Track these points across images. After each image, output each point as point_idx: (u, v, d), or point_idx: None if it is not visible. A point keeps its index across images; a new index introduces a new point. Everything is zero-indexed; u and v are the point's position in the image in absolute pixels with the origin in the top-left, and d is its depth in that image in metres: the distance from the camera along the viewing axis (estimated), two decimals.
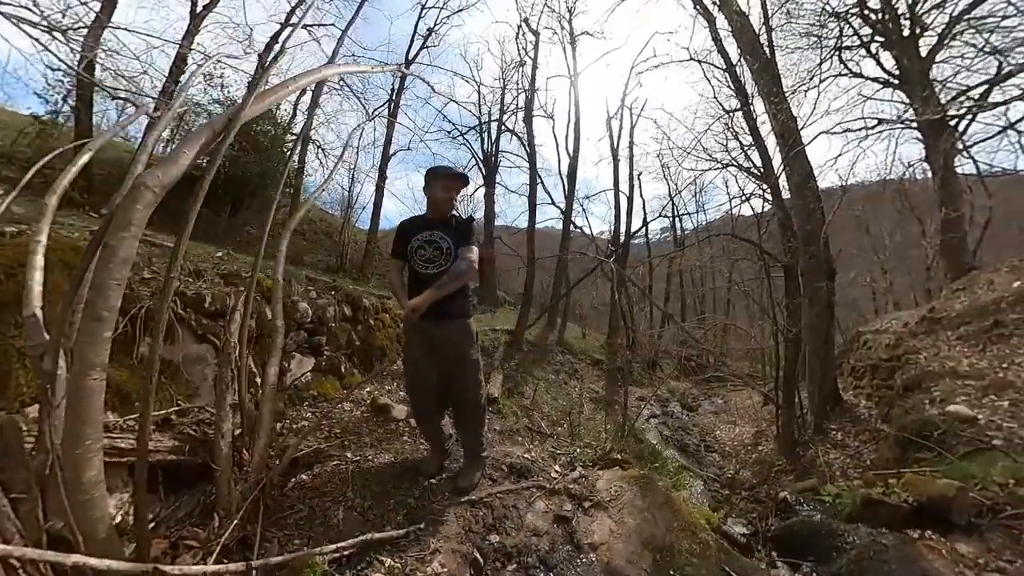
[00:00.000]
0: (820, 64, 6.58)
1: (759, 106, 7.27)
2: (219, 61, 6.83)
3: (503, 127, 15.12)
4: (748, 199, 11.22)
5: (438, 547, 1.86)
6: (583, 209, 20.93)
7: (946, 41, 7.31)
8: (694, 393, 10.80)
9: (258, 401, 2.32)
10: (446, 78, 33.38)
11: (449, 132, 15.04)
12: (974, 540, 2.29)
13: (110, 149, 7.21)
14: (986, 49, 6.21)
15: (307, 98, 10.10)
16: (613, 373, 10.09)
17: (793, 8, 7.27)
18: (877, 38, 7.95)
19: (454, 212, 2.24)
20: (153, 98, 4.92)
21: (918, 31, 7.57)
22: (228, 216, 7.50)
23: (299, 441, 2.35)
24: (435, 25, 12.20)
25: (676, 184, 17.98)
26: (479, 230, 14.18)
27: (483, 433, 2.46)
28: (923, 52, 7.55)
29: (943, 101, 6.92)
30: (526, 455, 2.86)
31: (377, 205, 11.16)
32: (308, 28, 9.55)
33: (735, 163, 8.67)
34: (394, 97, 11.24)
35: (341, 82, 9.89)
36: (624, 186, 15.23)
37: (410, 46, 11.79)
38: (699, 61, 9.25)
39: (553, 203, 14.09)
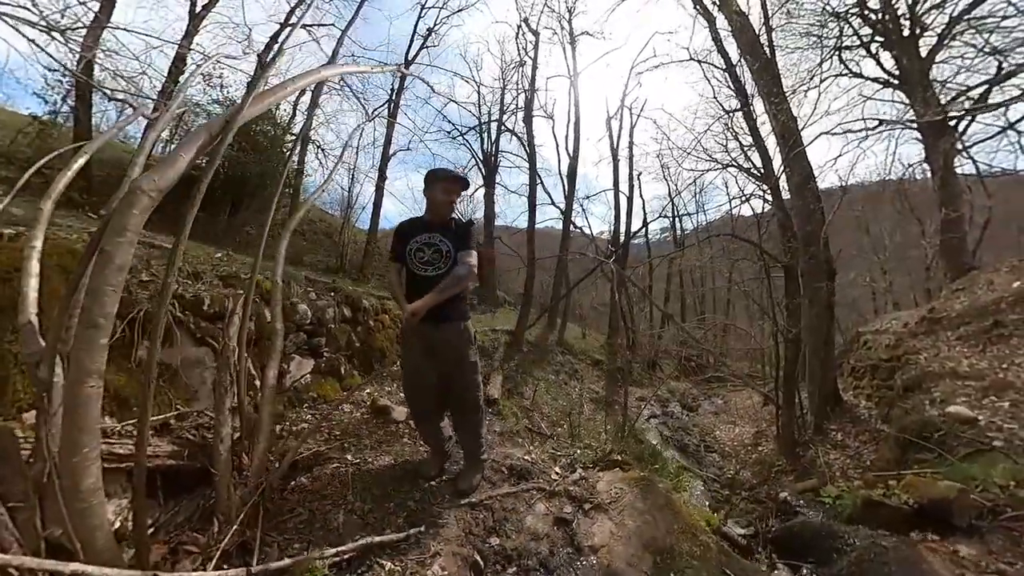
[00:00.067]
0: (820, 64, 6.60)
1: (759, 106, 7.29)
2: (218, 61, 6.81)
3: (503, 127, 15.08)
4: (748, 200, 11.20)
5: (438, 550, 1.86)
6: (583, 209, 20.88)
7: (946, 41, 7.32)
8: (694, 393, 10.81)
9: (257, 404, 2.32)
10: (446, 78, 33.41)
11: (449, 132, 14.98)
12: (975, 542, 2.29)
13: (109, 149, 7.18)
14: (986, 49, 6.22)
15: (307, 98, 10.11)
16: (613, 373, 10.09)
17: (793, 8, 7.29)
18: (877, 38, 7.96)
19: (453, 215, 2.23)
20: (152, 99, 4.90)
21: (918, 31, 7.58)
22: (227, 216, 7.48)
23: (299, 444, 2.34)
24: (435, 25, 12.17)
25: (676, 184, 18.02)
26: (478, 233, 14.19)
27: (483, 435, 2.46)
28: (923, 52, 7.56)
29: (943, 101, 6.94)
30: (526, 457, 2.85)
31: (377, 205, 11.13)
32: (308, 28, 9.54)
33: (735, 163, 8.67)
34: (394, 97, 11.20)
35: (341, 82, 9.86)
36: (624, 186, 15.27)
37: (410, 46, 11.76)
38: (699, 61, 9.25)
39: (553, 203, 14.09)
